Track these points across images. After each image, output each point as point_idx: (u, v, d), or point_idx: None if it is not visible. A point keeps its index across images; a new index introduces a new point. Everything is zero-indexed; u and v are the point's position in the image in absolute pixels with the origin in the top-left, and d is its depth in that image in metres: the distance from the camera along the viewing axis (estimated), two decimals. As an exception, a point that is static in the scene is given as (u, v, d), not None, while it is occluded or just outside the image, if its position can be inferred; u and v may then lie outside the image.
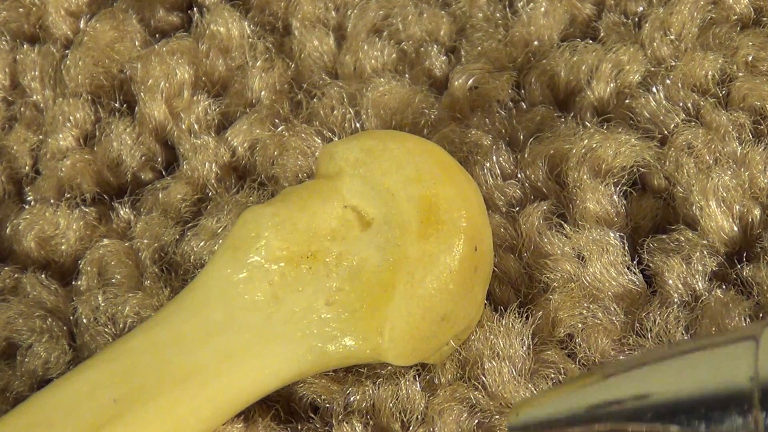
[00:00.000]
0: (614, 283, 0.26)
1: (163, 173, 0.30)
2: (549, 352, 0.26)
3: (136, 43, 0.31)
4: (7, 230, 0.29)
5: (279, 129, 0.30)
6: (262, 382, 0.24)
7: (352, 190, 0.25)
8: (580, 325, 0.26)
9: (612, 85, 0.29)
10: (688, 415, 0.20)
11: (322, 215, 0.25)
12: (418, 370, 0.26)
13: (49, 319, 0.27)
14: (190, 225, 0.29)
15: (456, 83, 0.30)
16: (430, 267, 0.24)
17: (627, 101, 0.29)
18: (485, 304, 0.26)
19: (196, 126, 0.30)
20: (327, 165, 0.25)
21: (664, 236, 0.27)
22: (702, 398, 0.20)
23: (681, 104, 0.28)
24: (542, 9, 0.30)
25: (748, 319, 0.25)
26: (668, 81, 0.29)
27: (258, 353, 0.24)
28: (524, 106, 0.30)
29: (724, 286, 0.26)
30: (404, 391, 0.25)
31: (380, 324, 0.24)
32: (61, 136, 0.30)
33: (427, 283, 0.24)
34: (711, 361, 0.21)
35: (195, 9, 0.32)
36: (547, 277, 0.26)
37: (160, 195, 0.29)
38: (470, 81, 0.30)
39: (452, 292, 0.24)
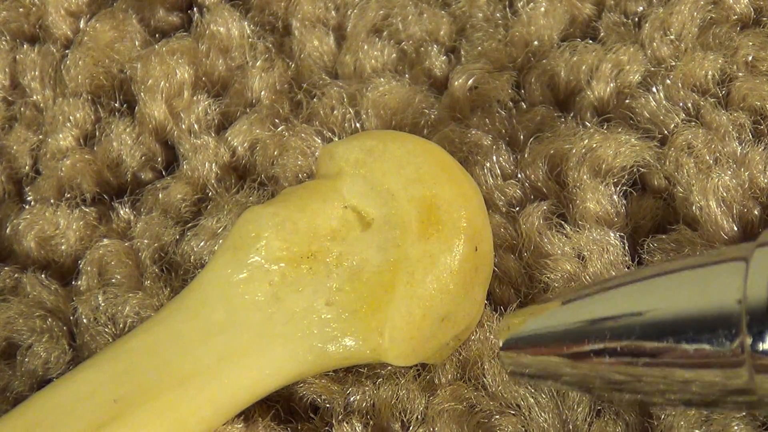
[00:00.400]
0: (614, 283, 0.26)
1: (163, 173, 0.30)
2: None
3: (136, 43, 0.31)
4: (7, 230, 0.29)
5: (279, 129, 0.30)
6: (263, 382, 0.24)
7: (352, 191, 0.25)
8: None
9: (612, 85, 0.29)
10: (676, 336, 0.20)
11: (322, 215, 0.25)
12: (418, 370, 0.26)
13: (49, 319, 0.27)
14: (190, 225, 0.29)
15: (456, 83, 0.30)
16: (430, 267, 0.24)
17: (627, 101, 0.29)
18: (485, 304, 0.26)
19: (196, 126, 0.30)
20: (327, 165, 0.25)
21: (664, 236, 0.27)
22: (690, 320, 0.20)
23: (681, 104, 0.28)
24: (542, 9, 0.30)
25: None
26: (668, 81, 0.29)
27: (258, 353, 0.24)
28: (524, 106, 0.30)
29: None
30: (404, 391, 0.25)
31: (380, 324, 0.24)
32: (61, 136, 0.30)
33: (428, 283, 0.24)
34: (701, 281, 0.20)
35: (195, 9, 0.32)
36: (547, 277, 0.26)
37: (160, 195, 0.29)
38: (470, 81, 0.30)
39: (452, 292, 0.24)
